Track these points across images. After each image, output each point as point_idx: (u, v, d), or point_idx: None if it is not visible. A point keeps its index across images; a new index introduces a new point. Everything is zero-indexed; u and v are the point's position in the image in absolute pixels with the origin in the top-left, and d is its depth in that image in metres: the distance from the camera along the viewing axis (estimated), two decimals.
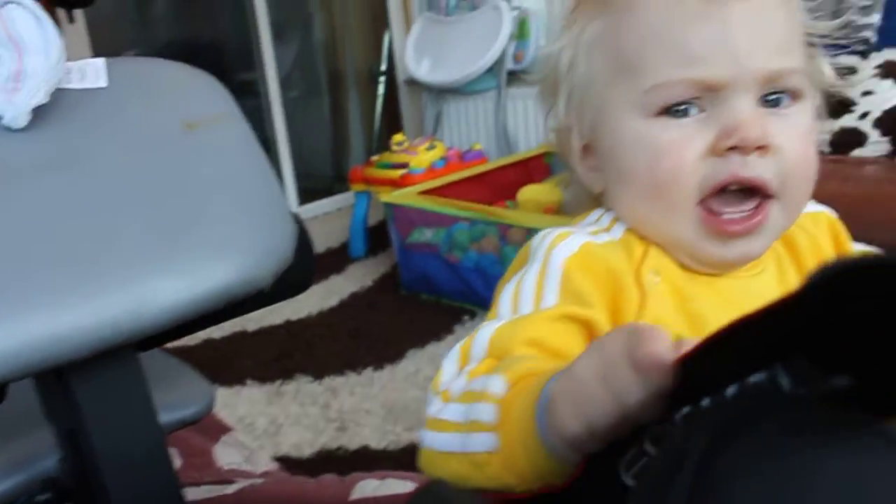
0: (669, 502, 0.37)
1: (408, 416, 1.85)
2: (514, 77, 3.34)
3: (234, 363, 2.22)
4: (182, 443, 1.67)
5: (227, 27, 3.86)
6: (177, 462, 1.60)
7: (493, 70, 3.37)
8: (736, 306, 0.61)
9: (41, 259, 0.65)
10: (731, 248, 0.60)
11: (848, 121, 2.05)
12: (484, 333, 0.60)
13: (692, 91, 0.58)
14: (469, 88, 3.45)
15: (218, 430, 1.82)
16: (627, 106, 0.61)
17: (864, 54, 2.16)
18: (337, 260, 3.08)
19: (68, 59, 0.74)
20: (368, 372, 2.11)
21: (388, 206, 2.63)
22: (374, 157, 3.14)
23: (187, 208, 0.73)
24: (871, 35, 2.18)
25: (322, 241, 3.33)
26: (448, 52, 3.43)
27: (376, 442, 1.77)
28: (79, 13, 2.57)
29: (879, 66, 2.11)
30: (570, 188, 0.71)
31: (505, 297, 0.63)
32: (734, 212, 0.59)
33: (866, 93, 2.07)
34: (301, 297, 2.81)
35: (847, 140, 2.03)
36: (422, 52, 3.53)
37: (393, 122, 4.07)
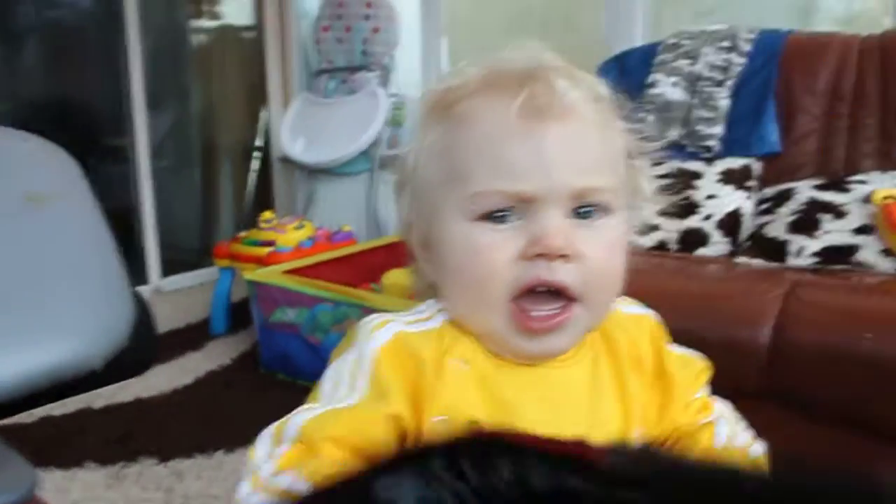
0: None
1: None
2: (387, 161, 3.41)
3: (73, 442, 2.12)
4: None
5: (100, 89, 3.77)
6: None
7: (367, 153, 3.44)
8: (544, 394, 0.67)
9: None
10: (537, 343, 0.65)
11: (694, 221, 2.18)
12: (297, 420, 0.63)
13: (508, 201, 0.63)
14: (342, 170, 3.50)
15: None
16: (454, 209, 0.65)
17: (709, 161, 2.32)
18: (196, 336, 3.01)
19: None
20: (219, 455, 2.05)
21: (252, 283, 2.60)
22: (242, 234, 3.11)
23: (16, 284, 0.71)
24: (715, 144, 2.36)
25: (183, 316, 3.25)
26: (324, 133, 3.48)
27: None
28: None
29: (722, 173, 2.27)
30: (416, 276, 0.75)
31: (327, 379, 0.67)
32: (541, 310, 0.64)
33: (710, 196, 2.22)
34: (155, 374, 2.72)
35: (692, 239, 2.16)
36: (298, 132, 3.56)
37: (265, 198, 4.05)
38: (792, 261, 1.92)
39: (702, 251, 2.15)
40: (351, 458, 0.60)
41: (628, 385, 0.71)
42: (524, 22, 3.71)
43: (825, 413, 1.58)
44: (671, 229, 2.19)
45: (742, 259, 2.02)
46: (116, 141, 3.66)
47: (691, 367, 0.75)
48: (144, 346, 0.82)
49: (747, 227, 2.15)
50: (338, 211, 3.63)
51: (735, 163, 2.29)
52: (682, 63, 2.47)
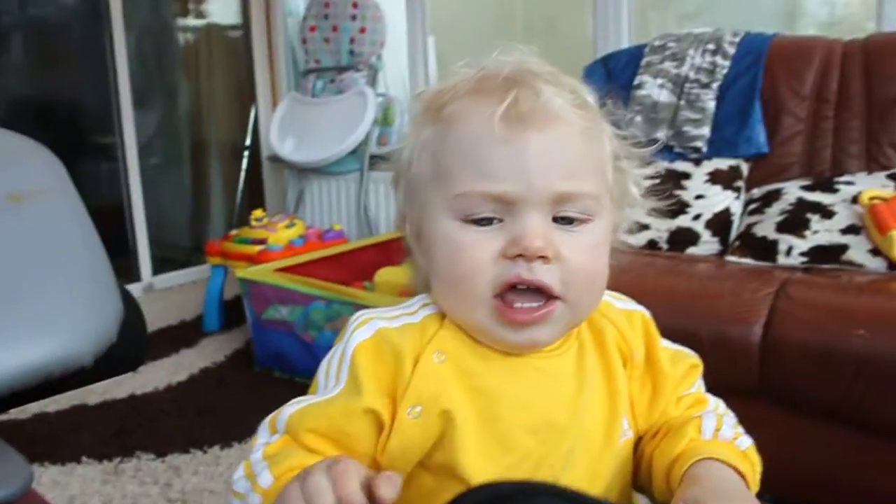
0: None
1: None
2: (376, 160, 3.43)
3: (69, 439, 2.12)
4: None
5: (88, 87, 3.76)
6: None
7: (356, 153, 3.45)
8: (528, 383, 0.70)
9: None
10: (521, 335, 0.68)
11: (683, 221, 2.22)
12: (286, 411, 0.69)
13: (489, 203, 0.66)
14: (332, 169, 3.51)
15: None
16: (441, 207, 0.69)
17: (697, 162, 2.36)
18: (190, 333, 3.02)
19: None
20: (215, 450, 2.06)
21: (244, 281, 2.61)
22: (233, 232, 3.12)
23: (4, 283, 0.71)
24: (702, 145, 2.40)
25: (176, 314, 3.25)
26: (312, 133, 3.49)
27: None
28: None
29: (710, 174, 2.31)
30: (413, 270, 0.77)
31: (320, 372, 0.72)
32: (524, 303, 0.67)
33: (699, 196, 2.26)
34: (149, 370, 2.73)
35: (682, 238, 2.20)
36: (286, 131, 3.57)
37: (255, 197, 4.06)
38: (782, 260, 1.96)
39: (692, 250, 2.18)
40: (329, 447, 0.67)
41: (615, 376, 0.74)
42: (510, 22, 3.75)
43: (815, 409, 1.62)
44: (661, 229, 2.23)
45: (732, 258, 2.06)
46: (104, 139, 3.65)
47: (683, 363, 0.78)
48: (134, 342, 0.83)
49: (736, 226, 2.19)
50: (328, 209, 3.64)
51: (723, 163, 2.32)
52: (669, 65, 2.51)
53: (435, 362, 0.69)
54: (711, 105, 2.41)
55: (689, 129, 2.41)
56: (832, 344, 1.56)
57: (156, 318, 3.11)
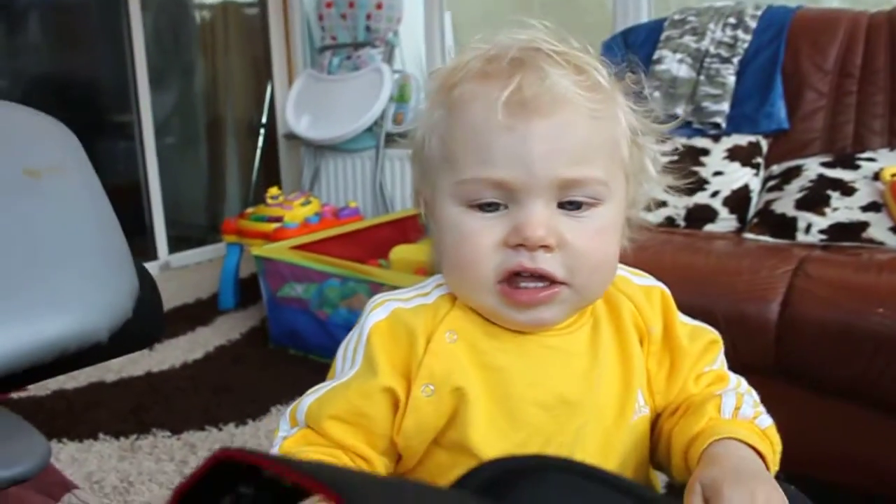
0: None
1: None
2: (392, 138, 3.42)
3: (87, 416, 2.14)
4: (17, 502, 1.59)
5: (104, 66, 3.77)
6: None
7: (372, 130, 3.44)
8: (538, 361, 0.70)
9: None
10: (526, 315, 0.68)
11: (701, 198, 2.19)
12: (305, 402, 0.71)
13: (492, 190, 0.66)
14: (348, 146, 3.50)
15: (61, 488, 1.73)
16: (447, 192, 0.69)
17: (715, 138, 2.33)
18: (206, 311, 3.03)
19: None
20: (230, 428, 2.07)
21: (260, 259, 2.61)
22: (249, 210, 3.12)
23: (19, 257, 0.71)
24: (721, 121, 2.36)
25: (192, 292, 3.27)
26: (328, 110, 3.48)
27: None
28: None
29: (729, 150, 2.27)
30: (432, 248, 0.77)
31: (338, 356, 0.74)
32: (529, 285, 0.67)
33: (717, 173, 2.23)
34: (165, 348, 2.74)
35: (700, 216, 2.18)
36: (302, 108, 3.56)
37: (271, 175, 4.06)
38: (801, 237, 1.93)
39: (709, 227, 2.16)
40: (350, 434, 0.69)
41: (631, 352, 0.74)
42: None
43: (833, 388, 1.60)
44: (679, 206, 2.21)
45: (750, 235, 2.03)
46: (121, 118, 3.66)
47: (701, 338, 0.77)
48: (150, 318, 0.83)
49: (755, 203, 2.16)
50: (344, 187, 3.64)
51: (742, 140, 2.29)
52: (689, 40, 2.47)
53: (447, 342, 0.70)
54: (732, 80, 2.37)
55: (709, 105, 2.38)
56: (851, 322, 1.53)
57: (172, 297, 3.13)
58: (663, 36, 2.53)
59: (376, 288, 2.34)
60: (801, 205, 1.98)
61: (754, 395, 0.75)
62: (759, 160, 2.25)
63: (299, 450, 0.68)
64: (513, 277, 0.67)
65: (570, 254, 0.66)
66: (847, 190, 1.96)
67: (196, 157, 4.13)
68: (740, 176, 2.21)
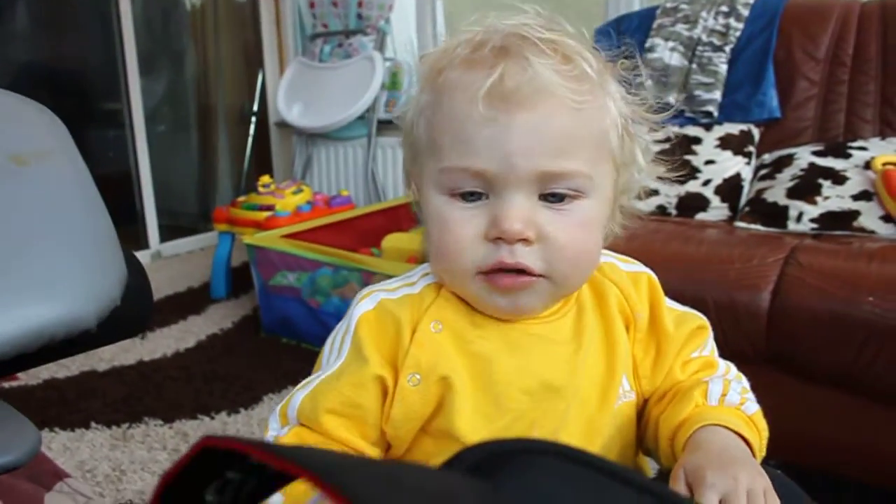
0: None
1: None
2: (384, 126, 3.41)
3: (79, 404, 2.13)
4: (8, 491, 1.58)
5: (93, 52, 3.74)
6: None
7: (364, 118, 3.43)
8: (522, 347, 0.71)
9: None
10: (510, 300, 0.68)
11: (693, 186, 2.19)
12: (296, 399, 0.71)
13: (472, 180, 0.66)
14: (339, 135, 3.49)
15: (53, 476, 1.73)
16: (431, 180, 0.69)
17: (707, 127, 2.33)
18: (197, 300, 3.02)
19: None
20: (222, 416, 2.07)
21: (251, 247, 2.61)
22: (240, 198, 3.11)
23: (4, 243, 0.71)
24: (713, 109, 2.36)
25: (183, 281, 3.26)
26: (320, 98, 3.46)
27: None
28: None
29: (721, 138, 2.27)
30: (423, 234, 0.76)
31: (325, 347, 0.74)
32: (508, 281, 0.67)
33: (709, 161, 2.23)
34: (156, 337, 2.73)
35: (692, 204, 2.18)
36: (294, 96, 3.55)
37: (262, 163, 4.04)
38: (792, 226, 1.94)
39: (701, 216, 2.16)
40: (344, 427, 0.69)
41: (615, 338, 0.74)
42: None
43: (823, 376, 1.60)
44: (670, 194, 2.21)
45: (741, 224, 2.04)
46: (111, 106, 3.64)
47: (688, 324, 0.77)
48: (139, 305, 0.82)
49: (746, 192, 2.16)
50: (336, 175, 3.63)
51: (734, 128, 2.29)
52: (681, 28, 2.47)
53: (432, 331, 0.70)
54: (724, 68, 2.37)
55: (701, 94, 2.38)
56: (841, 311, 1.54)
57: (163, 285, 3.12)
58: (655, 24, 2.52)
59: (368, 276, 2.34)
60: (793, 193, 1.99)
61: (743, 382, 0.75)
62: (751, 149, 2.25)
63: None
64: (494, 272, 0.67)
65: (548, 247, 0.66)
66: (838, 179, 1.97)
67: (187, 146, 4.11)
68: (732, 164, 2.21)
